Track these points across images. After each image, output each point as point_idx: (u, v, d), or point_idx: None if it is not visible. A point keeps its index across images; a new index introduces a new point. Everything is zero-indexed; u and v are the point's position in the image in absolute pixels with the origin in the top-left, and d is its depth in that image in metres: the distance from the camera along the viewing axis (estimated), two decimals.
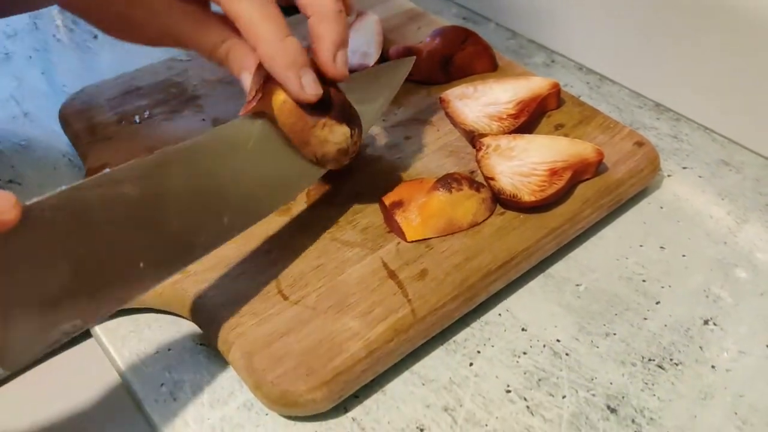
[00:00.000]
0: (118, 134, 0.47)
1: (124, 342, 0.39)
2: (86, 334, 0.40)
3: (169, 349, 0.38)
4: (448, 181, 0.42)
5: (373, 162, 0.47)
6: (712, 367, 0.38)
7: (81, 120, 0.49)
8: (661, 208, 0.48)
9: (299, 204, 0.43)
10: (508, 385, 0.37)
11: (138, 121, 0.48)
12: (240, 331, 0.36)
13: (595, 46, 0.61)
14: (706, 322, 0.41)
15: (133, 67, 0.53)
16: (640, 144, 0.48)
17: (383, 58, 0.55)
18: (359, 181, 0.45)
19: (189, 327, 0.39)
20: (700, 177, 0.51)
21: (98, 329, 0.39)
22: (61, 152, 0.50)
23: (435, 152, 0.48)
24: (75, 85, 0.52)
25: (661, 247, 0.45)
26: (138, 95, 0.50)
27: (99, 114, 0.49)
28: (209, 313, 0.37)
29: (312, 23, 0.38)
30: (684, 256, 0.44)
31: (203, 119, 0.49)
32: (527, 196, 0.42)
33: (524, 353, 0.39)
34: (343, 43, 0.38)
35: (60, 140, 0.50)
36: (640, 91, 0.59)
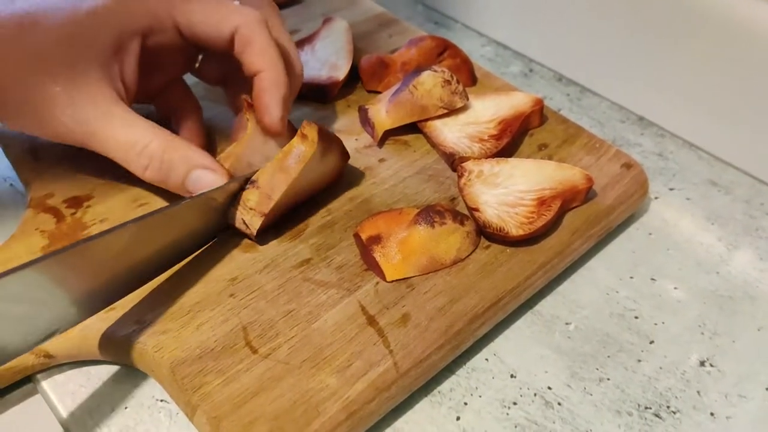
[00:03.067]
0: (64, 159, 0.43)
1: (74, 398, 0.35)
2: (31, 390, 0.36)
3: (125, 407, 0.35)
4: (430, 215, 0.39)
5: (346, 188, 0.43)
6: (711, 414, 0.36)
7: (23, 141, 0.44)
8: (650, 234, 0.46)
9: None
10: None
11: None
12: (205, 391, 0.32)
13: (576, 55, 0.58)
14: (702, 363, 0.38)
15: None
16: (628, 166, 0.46)
17: (353, 68, 0.51)
18: (332, 210, 0.42)
19: (148, 381, 0.35)
20: (688, 199, 0.48)
21: (45, 383, 0.35)
22: (1, 176, 0.46)
23: (413, 176, 0.45)
24: None
25: (652, 279, 0.43)
26: None
27: None
28: (170, 371, 0.33)
29: (262, 78, 0.39)
30: (676, 288, 0.42)
31: None
32: (515, 230, 0.39)
33: (514, 403, 0.36)
34: (288, 100, 0.40)
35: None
36: (622, 104, 0.56)
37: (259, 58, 0.39)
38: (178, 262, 0.37)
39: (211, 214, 0.38)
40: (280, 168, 0.38)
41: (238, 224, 0.39)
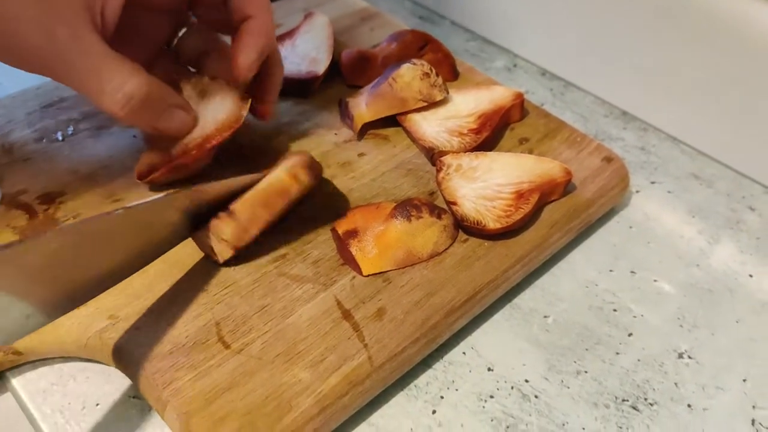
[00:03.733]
0: (37, 154, 0.42)
1: (45, 396, 0.34)
2: (1, 387, 0.35)
3: (96, 404, 0.34)
4: (406, 209, 0.38)
5: (325, 182, 0.43)
6: (689, 406, 0.36)
7: None
8: (631, 228, 0.45)
9: None
10: None
11: (61, 138, 0.43)
12: (176, 387, 0.32)
13: (559, 51, 0.58)
14: (680, 356, 0.38)
15: None
16: (608, 159, 0.45)
17: (334, 63, 0.51)
18: (309, 204, 0.41)
19: (120, 378, 0.35)
20: (669, 192, 0.48)
21: (15, 381, 0.35)
22: None
23: (391, 171, 0.44)
24: None
25: (632, 272, 0.42)
26: (61, 108, 0.45)
27: (16, 130, 0.44)
28: (140, 367, 0.32)
29: (250, 23, 0.39)
30: (656, 281, 0.42)
31: (134, 135, 0.44)
32: (492, 223, 0.39)
33: (491, 397, 0.36)
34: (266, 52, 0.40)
35: None
36: (605, 98, 0.56)
37: (251, 4, 0.38)
38: (138, 269, 0.34)
39: (163, 231, 0.35)
40: (262, 203, 0.36)
41: (206, 250, 0.37)
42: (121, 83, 0.34)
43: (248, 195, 0.36)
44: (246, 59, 0.39)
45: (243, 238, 0.36)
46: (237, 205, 0.36)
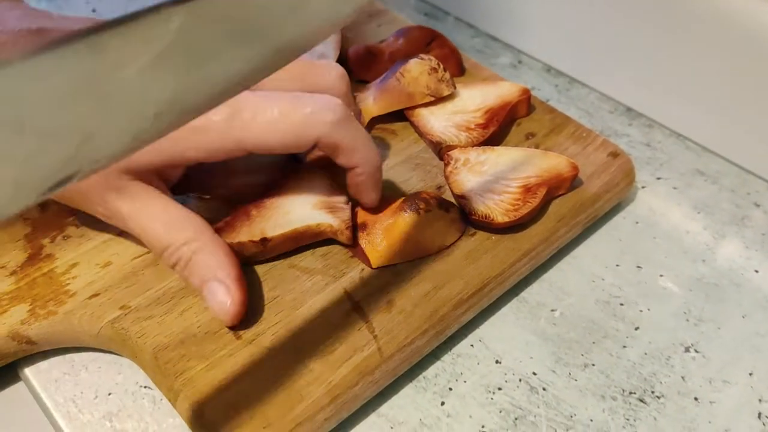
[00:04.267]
0: None
1: (57, 386, 0.35)
2: (13, 377, 0.36)
3: (109, 394, 0.34)
4: (415, 202, 0.39)
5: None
6: (696, 399, 0.36)
7: None
8: (637, 223, 0.46)
9: None
10: (483, 426, 0.34)
11: None
12: (187, 377, 0.32)
13: (564, 47, 0.58)
14: (687, 349, 0.39)
15: None
16: (614, 155, 0.46)
17: (342, 59, 0.51)
18: None
19: (131, 368, 0.35)
20: (674, 188, 0.48)
21: (28, 371, 0.35)
22: None
23: (399, 165, 0.44)
24: None
25: (638, 267, 0.43)
26: None
27: None
28: (152, 357, 0.33)
29: (357, 172, 0.38)
30: (662, 276, 0.42)
31: None
32: (500, 217, 0.39)
33: (499, 389, 0.36)
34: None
35: None
36: (611, 95, 0.56)
37: (350, 158, 0.37)
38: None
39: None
40: (294, 239, 0.38)
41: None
42: (181, 244, 0.35)
43: (287, 231, 0.37)
44: (372, 202, 0.39)
45: (259, 257, 0.37)
46: (274, 237, 0.37)
